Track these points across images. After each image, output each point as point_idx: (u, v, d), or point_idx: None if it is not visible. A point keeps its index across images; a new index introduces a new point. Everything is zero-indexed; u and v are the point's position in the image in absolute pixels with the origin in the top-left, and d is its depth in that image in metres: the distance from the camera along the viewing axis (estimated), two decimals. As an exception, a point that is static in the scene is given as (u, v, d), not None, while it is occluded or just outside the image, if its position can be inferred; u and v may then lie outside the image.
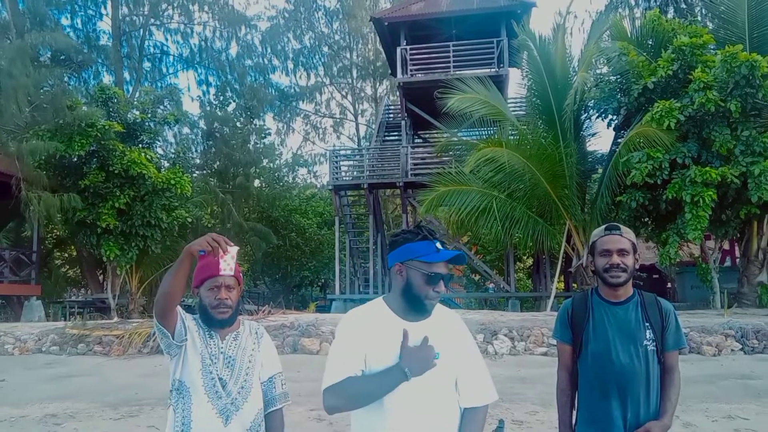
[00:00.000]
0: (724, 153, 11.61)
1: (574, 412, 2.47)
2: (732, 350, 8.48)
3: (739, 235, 13.41)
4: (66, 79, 20.99)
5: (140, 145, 16.57)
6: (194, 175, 22.65)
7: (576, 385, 2.46)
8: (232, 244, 2.15)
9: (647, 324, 2.34)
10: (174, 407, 2.25)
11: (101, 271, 18.84)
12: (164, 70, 31.49)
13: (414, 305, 1.97)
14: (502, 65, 18.01)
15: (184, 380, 2.24)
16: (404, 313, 1.98)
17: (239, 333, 2.35)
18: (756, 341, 8.57)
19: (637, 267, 2.41)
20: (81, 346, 10.52)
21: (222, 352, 2.27)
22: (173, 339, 2.21)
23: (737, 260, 16.56)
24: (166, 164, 18.87)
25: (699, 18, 20.11)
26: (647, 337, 2.32)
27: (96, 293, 18.15)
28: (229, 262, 2.21)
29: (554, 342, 2.70)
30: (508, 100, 17.77)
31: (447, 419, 1.97)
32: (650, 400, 2.31)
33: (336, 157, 19.89)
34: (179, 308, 2.23)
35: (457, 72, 17.56)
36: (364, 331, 1.96)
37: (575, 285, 17.36)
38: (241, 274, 2.38)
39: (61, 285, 21.47)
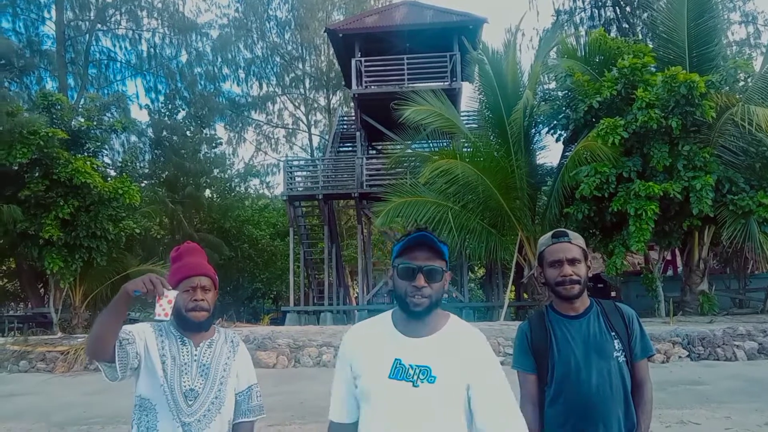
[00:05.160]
0: (661, 169, 12.12)
1: None
2: (679, 357, 8.83)
3: (681, 246, 13.98)
4: (6, 84, 20.13)
5: (86, 154, 16.00)
6: (142, 184, 22.03)
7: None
8: (170, 287, 2.04)
9: (613, 333, 2.13)
10: (137, 424, 2.15)
11: (42, 285, 18.04)
12: (111, 76, 30.70)
13: (402, 308, 1.77)
14: (455, 79, 18.31)
15: (148, 396, 2.14)
16: (404, 325, 1.78)
17: (214, 340, 2.26)
18: (702, 348, 8.94)
19: (589, 275, 2.21)
20: (23, 363, 10.05)
21: (196, 360, 2.18)
22: (118, 372, 2.08)
23: (679, 270, 17.27)
24: (113, 173, 18.30)
25: (640, 37, 21.04)
26: (616, 347, 2.11)
27: (36, 307, 17.36)
28: (165, 306, 2.00)
29: (510, 351, 2.50)
30: (461, 113, 18.07)
31: None
32: (629, 417, 2.12)
33: (290, 167, 19.75)
34: (122, 335, 2.09)
35: (411, 85, 17.74)
36: (356, 354, 1.82)
37: (526, 295, 17.71)
38: (216, 276, 2.28)
39: (-2, 299, 20.44)
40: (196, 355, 2.19)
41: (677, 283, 14.87)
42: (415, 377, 1.71)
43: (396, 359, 1.74)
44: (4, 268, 21.15)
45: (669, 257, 17.81)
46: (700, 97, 11.58)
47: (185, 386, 2.13)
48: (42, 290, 18.05)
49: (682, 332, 9.36)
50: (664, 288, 13.67)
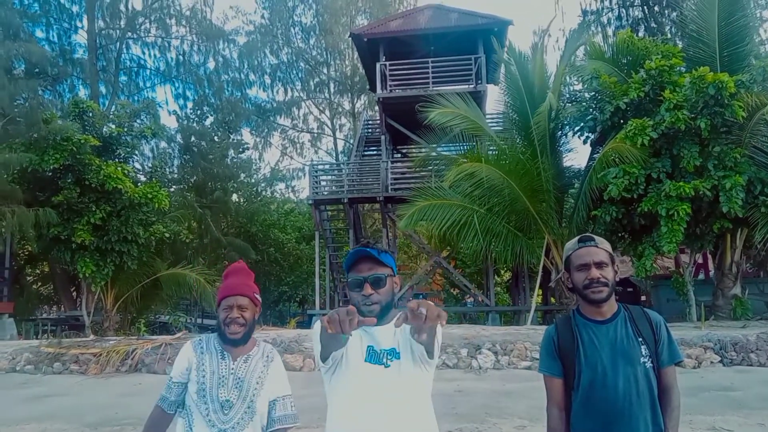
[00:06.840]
0: (691, 169, 11.92)
1: None
2: (711, 362, 8.64)
3: (713, 249, 13.70)
4: (40, 92, 20.65)
5: (117, 159, 16.34)
6: (171, 189, 22.38)
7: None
8: None
9: (640, 339, 2.13)
10: (183, 417, 2.40)
11: (74, 288, 18.44)
12: (141, 83, 31.18)
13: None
14: (480, 81, 18.23)
15: (188, 403, 2.38)
16: None
17: (251, 355, 2.46)
18: (734, 353, 8.74)
19: (617, 279, 2.20)
20: (57, 365, 10.26)
21: (233, 373, 2.39)
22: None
23: (710, 273, 16.91)
24: (143, 178, 18.65)
25: (669, 36, 20.69)
26: (643, 353, 2.11)
27: (69, 310, 17.74)
28: None
29: (537, 355, 2.51)
30: (487, 116, 17.98)
31: (418, 408, 2.01)
32: (656, 422, 2.11)
33: (315, 171, 19.88)
34: (181, 362, 2.42)
35: (436, 88, 17.72)
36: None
37: (553, 299, 17.51)
38: (258, 296, 2.47)
39: (33, 302, 20.89)
40: (233, 369, 2.40)
41: (709, 286, 14.55)
42: (385, 359, 2.02)
43: (369, 346, 2.04)
44: (38, 272, 21.73)
45: (700, 260, 17.48)
46: (730, 97, 11.35)
47: (222, 397, 2.35)
48: (74, 294, 18.44)
49: (714, 337, 9.17)
50: (695, 292, 13.40)
